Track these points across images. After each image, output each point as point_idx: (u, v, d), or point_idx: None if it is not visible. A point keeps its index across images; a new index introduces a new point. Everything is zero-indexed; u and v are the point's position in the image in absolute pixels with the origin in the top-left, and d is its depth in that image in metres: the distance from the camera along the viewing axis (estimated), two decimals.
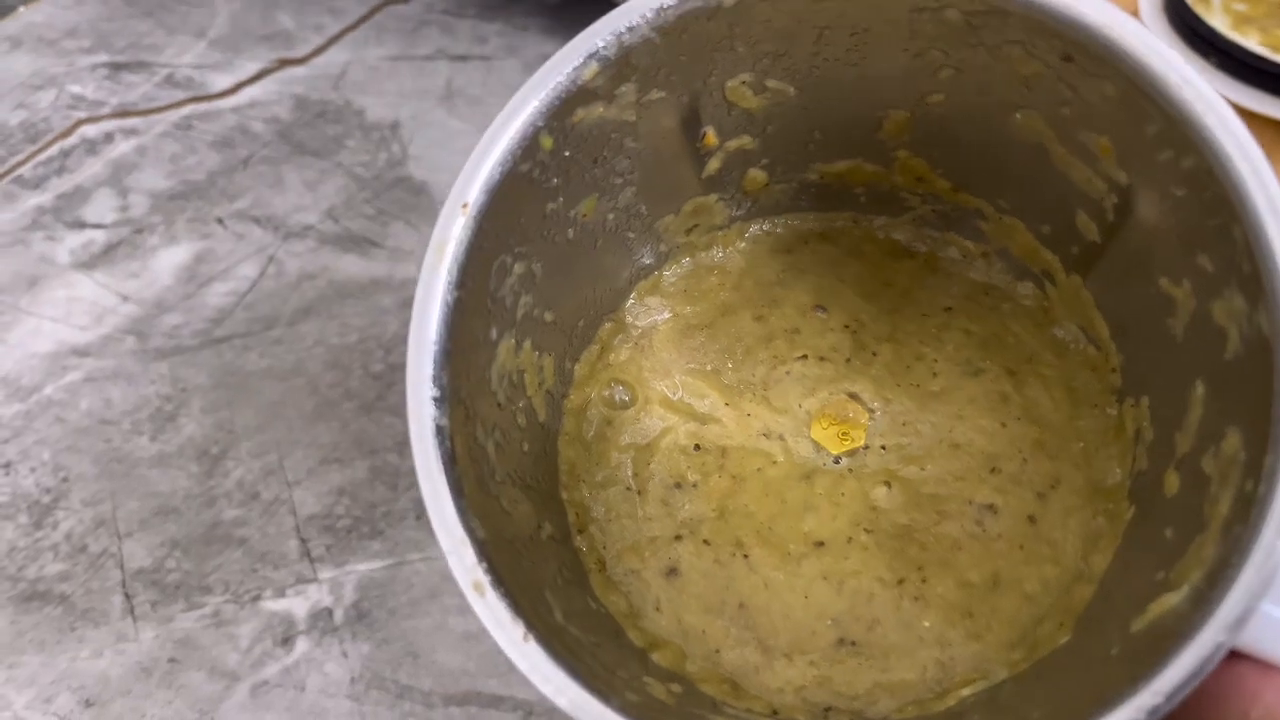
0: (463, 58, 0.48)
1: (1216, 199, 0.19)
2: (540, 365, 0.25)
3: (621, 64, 0.21)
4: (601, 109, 0.22)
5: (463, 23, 0.50)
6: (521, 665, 0.19)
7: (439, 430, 0.20)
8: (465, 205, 0.21)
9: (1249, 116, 0.42)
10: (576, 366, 0.27)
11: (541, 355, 0.25)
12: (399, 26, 0.50)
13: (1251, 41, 0.42)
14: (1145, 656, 0.18)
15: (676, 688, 0.22)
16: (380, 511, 0.37)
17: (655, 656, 0.23)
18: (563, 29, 0.49)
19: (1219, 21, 0.43)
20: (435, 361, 0.20)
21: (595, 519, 0.25)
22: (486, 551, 0.19)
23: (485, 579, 0.19)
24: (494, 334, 0.22)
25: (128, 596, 0.35)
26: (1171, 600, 0.18)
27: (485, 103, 0.46)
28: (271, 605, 0.35)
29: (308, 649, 0.34)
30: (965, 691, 0.22)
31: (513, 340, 0.23)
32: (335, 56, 0.49)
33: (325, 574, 0.35)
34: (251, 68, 0.48)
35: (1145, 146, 0.20)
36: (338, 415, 0.39)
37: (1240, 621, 0.17)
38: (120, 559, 0.36)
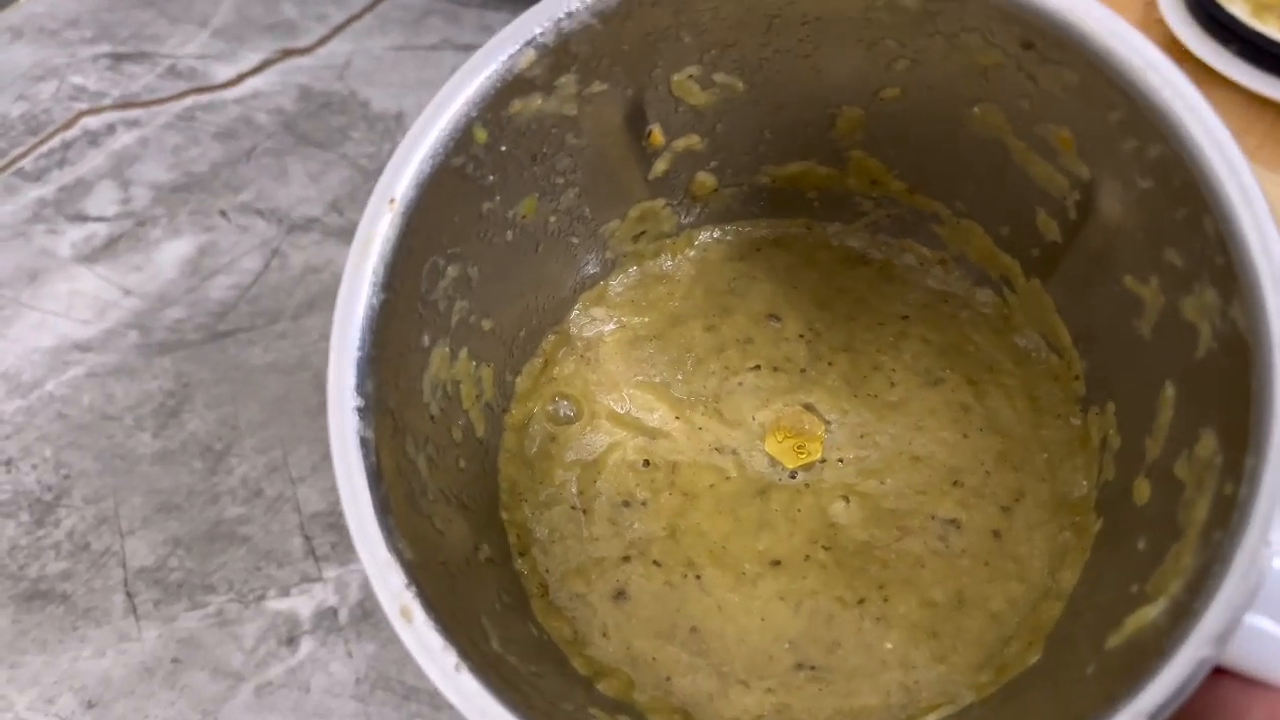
0: (468, 47, 0.47)
1: (1185, 188, 0.18)
2: (478, 377, 0.23)
3: (560, 52, 0.20)
4: (540, 101, 0.21)
5: (468, 11, 0.49)
6: (453, 698, 0.17)
7: (363, 443, 0.18)
8: (392, 201, 0.19)
9: (1269, 104, 0.42)
10: (518, 380, 0.25)
11: (480, 366, 0.23)
12: (403, 16, 0.49)
13: (1272, 29, 0.42)
14: (1123, 674, 0.16)
15: (623, 718, 0.20)
16: None
17: (601, 686, 0.21)
18: None
19: (1239, 9, 0.43)
20: (359, 369, 0.19)
21: (538, 540, 0.23)
22: (415, 574, 0.18)
23: (414, 604, 0.17)
24: (426, 340, 0.21)
25: (130, 595, 0.34)
26: (1149, 614, 0.17)
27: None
28: (276, 604, 0.34)
29: (312, 649, 0.33)
30: (931, 717, 0.21)
31: (447, 348, 0.22)
32: (339, 46, 0.48)
33: (330, 573, 0.35)
34: (255, 58, 0.48)
35: (1108, 136, 0.19)
36: None
37: (1225, 634, 0.16)
38: (123, 557, 0.35)
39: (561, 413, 0.25)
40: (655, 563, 0.23)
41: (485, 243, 0.22)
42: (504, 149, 0.21)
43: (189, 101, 0.46)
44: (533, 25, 0.20)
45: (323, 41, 0.49)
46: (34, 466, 0.37)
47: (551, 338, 0.26)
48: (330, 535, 0.35)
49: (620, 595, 0.23)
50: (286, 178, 0.44)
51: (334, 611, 0.34)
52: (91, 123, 0.46)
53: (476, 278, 0.22)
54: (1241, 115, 0.42)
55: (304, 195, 0.43)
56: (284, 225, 0.43)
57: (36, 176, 0.45)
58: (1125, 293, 0.21)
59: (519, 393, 0.25)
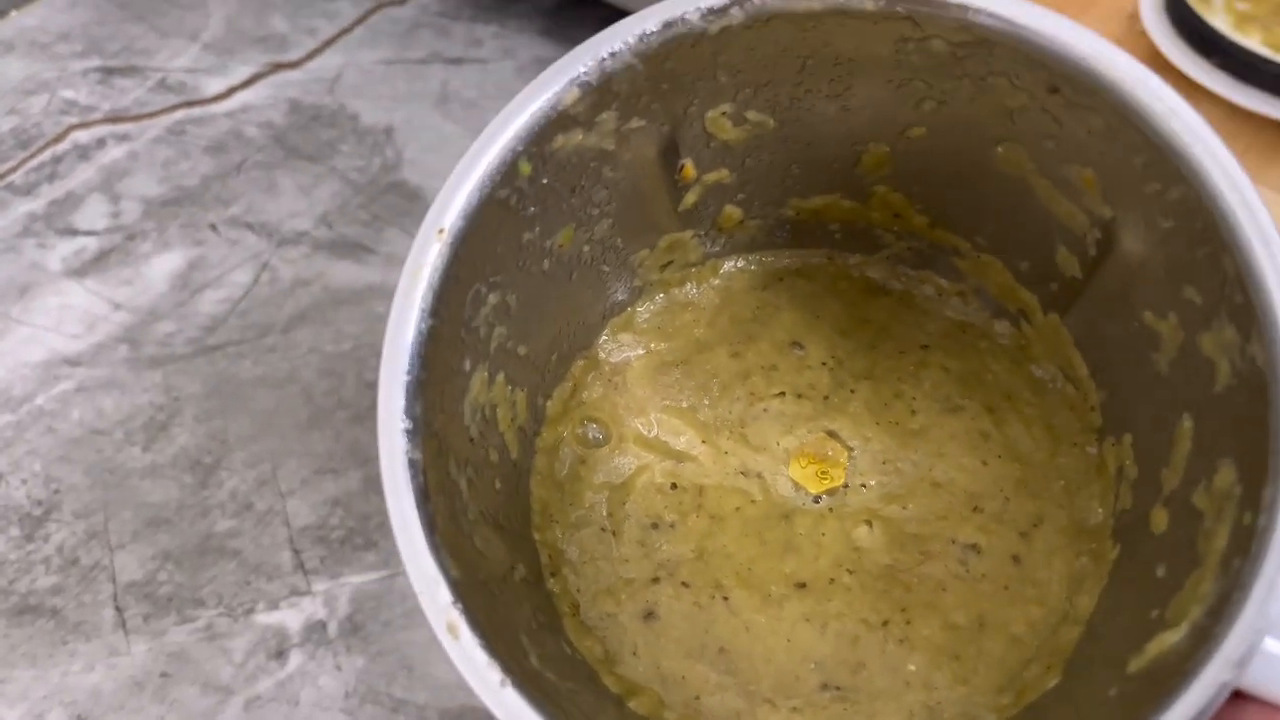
0: (458, 61, 0.48)
1: (1205, 229, 0.18)
2: (513, 400, 0.24)
3: (603, 90, 0.21)
4: (581, 136, 0.22)
5: (458, 25, 0.50)
6: (499, 713, 0.17)
7: (411, 464, 0.19)
8: (441, 231, 0.20)
9: (1251, 117, 0.43)
10: (549, 403, 0.26)
11: (514, 390, 0.24)
12: (393, 29, 0.50)
13: (1254, 41, 0.42)
14: (1146, 697, 0.17)
15: None
16: (374, 522, 0.36)
17: (633, 704, 0.22)
18: (558, 31, 0.49)
19: (1220, 21, 0.43)
20: (407, 392, 0.19)
21: (569, 561, 0.24)
22: (460, 591, 0.18)
23: (460, 620, 0.18)
24: (467, 365, 0.22)
25: (119, 610, 0.35)
26: (1171, 639, 0.18)
27: (480, 106, 0.46)
28: (265, 618, 0.34)
29: (301, 662, 0.33)
30: None
31: (486, 373, 0.22)
32: (329, 60, 0.49)
33: (319, 586, 0.35)
34: (245, 72, 0.48)
35: (1132, 178, 0.20)
36: (331, 424, 0.38)
37: (1245, 658, 0.16)
38: (112, 571, 0.35)
39: (590, 436, 0.26)
40: (684, 584, 0.24)
41: (524, 271, 0.23)
42: (545, 181, 0.22)
43: (179, 115, 0.47)
44: (577, 65, 0.21)
45: (312, 55, 0.49)
46: (24, 481, 0.37)
47: (580, 362, 0.26)
48: (319, 549, 0.36)
49: (650, 615, 0.23)
50: (276, 191, 0.44)
51: (323, 625, 0.34)
52: (82, 136, 0.46)
53: (515, 305, 0.23)
54: (1223, 128, 0.43)
55: (294, 208, 0.44)
56: (274, 239, 0.43)
57: (26, 190, 0.45)
58: (1144, 328, 0.21)
59: (550, 416, 0.26)
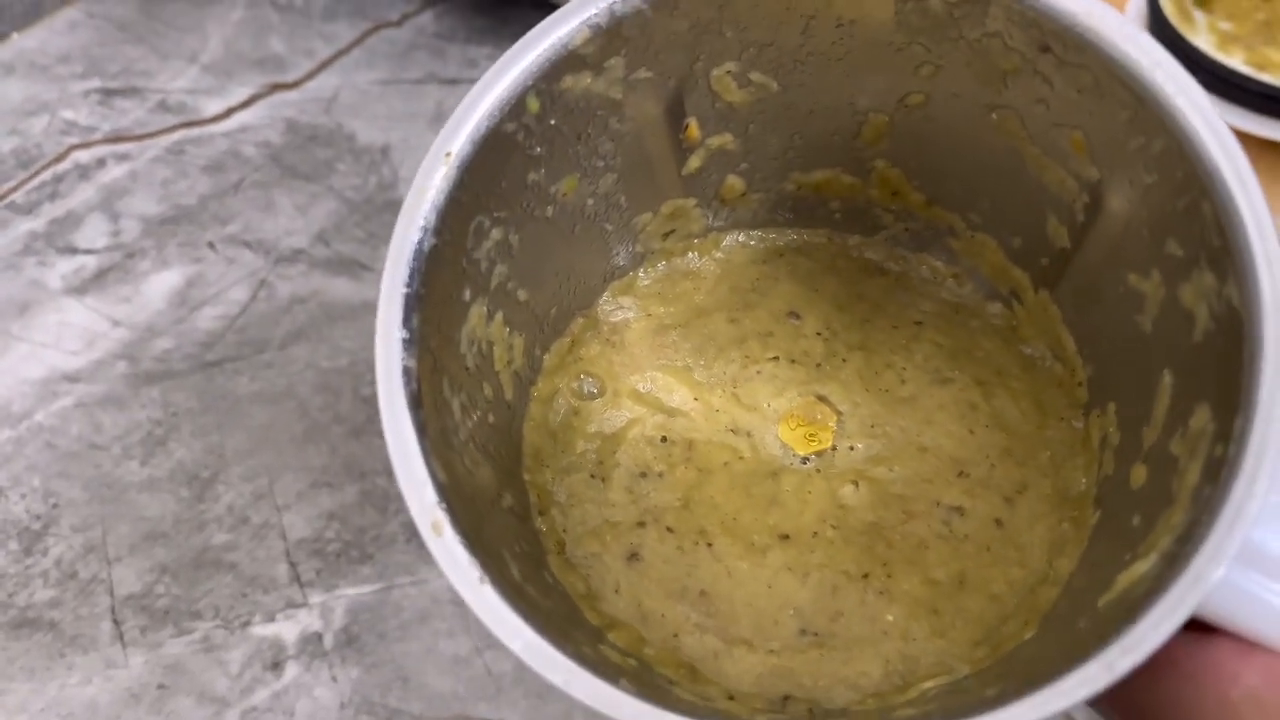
0: (453, 81, 0.49)
1: (1186, 178, 0.19)
2: (510, 343, 0.24)
3: (612, 33, 0.22)
4: (589, 80, 0.23)
5: (453, 46, 0.51)
6: (476, 608, 0.18)
7: (405, 371, 0.19)
8: (449, 155, 0.21)
9: (1236, 136, 0.43)
10: (546, 356, 0.26)
11: (512, 333, 0.24)
12: (390, 50, 0.51)
13: (1236, 60, 0.43)
14: (1114, 623, 0.17)
15: (633, 663, 0.21)
16: (370, 535, 0.37)
17: (612, 636, 0.22)
18: None
19: (1204, 41, 0.44)
20: (405, 304, 0.20)
21: (557, 502, 0.24)
22: (447, 496, 0.19)
23: (444, 518, 0.18)
24: (466, 295, 0.22)
25: (117, 623, 0.35)
26: (1140, 568, 0.18)
27: None
28: (261, 630, 0.35)
29: (297, 674, 0.34)
30: (927, 684, 0.22)
31: (484, 308, 0.23)
32: (326, 81, 0.50)
33: (315, 598, 0.35)
34: (243, 92, 0.49)
35: (1117, 135, 0.21)
36: (328, 439, 0.39)
37: (1211, 578, 0.16)
38: (110, 585, 0.36)
39: (585, 389, 0.26)
40: (669, 529, 0.24)
41: (528, 214, 0.24)
42: (553, 122, 0.23)
43: (178, 135, 0.48)
44: (589, 6, 0.22)
45: (310, 76, 0.50)
46: (23, 496, 0.38)
47: (580, 320, 0.27)
48: (315, 562, 0.36)
49: (634, 557, 0.24)
50: (274, 210, 0.45)
51: (319, 637, 0.34)
52: (82, 156, 0.47)
53: (517, 245, 0.24)
54: None
55: (291, 227, 0.44)
56: (271, 256, 0.43)
57: (28, 210, 0.46)
58: (1129, 291, 0.22)
59: (546, 368, 0.26)
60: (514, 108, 0.21)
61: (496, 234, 0.23)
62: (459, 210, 0.21)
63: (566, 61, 0.22)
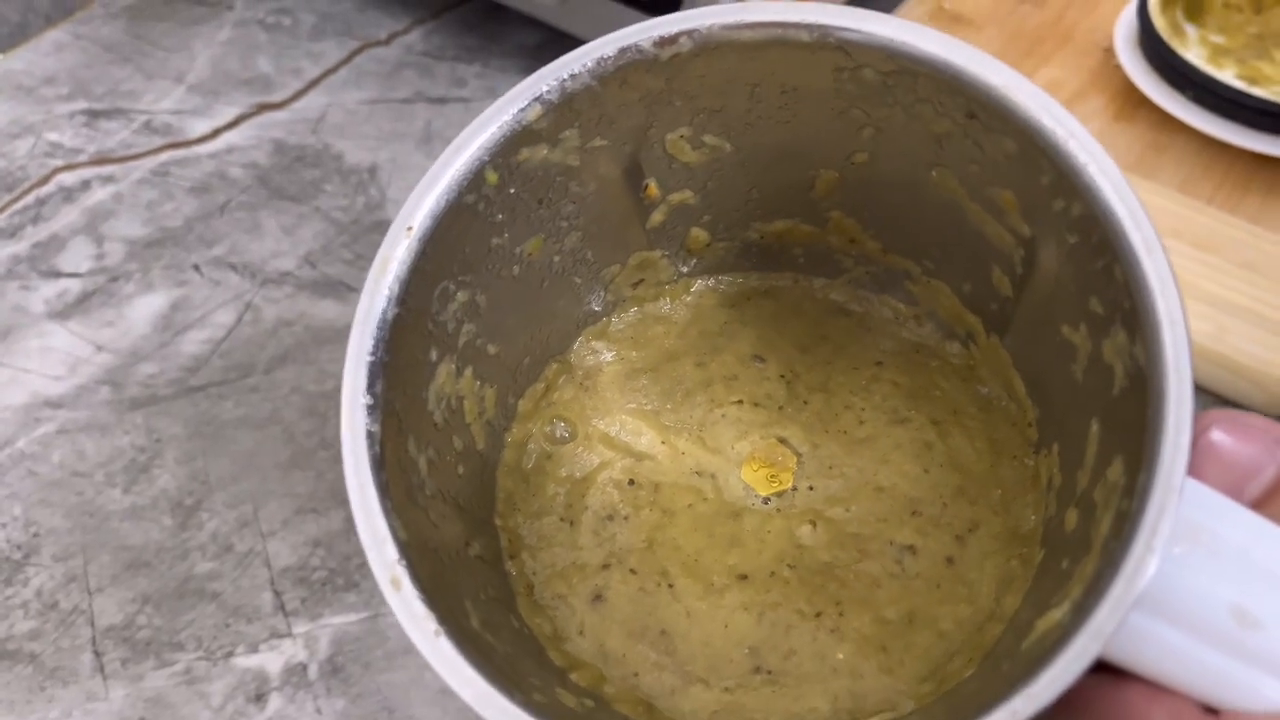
0: (441, 100, 0.49)
1: (1101, 242, 0.20)
2: (481, 395, 0.26)
3: (564, 108, 0.23)
4: (546, 151, 0.24)
5: (441, 65, 0.51)
6: (431, 659, 0.19)
7: (369, 435, 0.21)
8: (410, 229, 0.22)
9: (1226, 149, 0.43)
10: (520, 402, 0.28)
11: (483, 386, 0.26)
12: (378, 70, 0.51)
13: (1228, 74, 0.43)
14: (1029, 668, 0.18)
15: (590, 703, 0.22)
16: (355, 563, 0.36)
17: (574, 676, 0.23)
18: None
19: (1194, 55, 0.44)
20: (370, 371, 0.21)
21: (528, 545, 0.26)
22: (407, 552, 0.20)
23: (403, 575, 0.20)
24: (433, 355, 0.24)
25: (98, 654, 0.35)
26: (1055, 616, 0.19)
27: None
28: (244, 661, 0.34)
29: (281, 706, 0.33)
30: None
31: (453, 365, 0.24)
32: (314, 100, 0.49)
33: (299, 628, 0.35)
34: (230, 113, 0.49)
35: (1042, 198, 0.22)
36: (313, 464, 0.38)
37: (1112, 630, 0.17)
38: (91, 616, 0.35)
39: (558, 433, 0.28)
40: (632, 570, 0.25)
41: (494, 275, 0.25)
42: (513, 191, 0.24)
43: (164, 157, 0.47)
44: (540, 84, 0.23)
45: (298, 96, 0.50)
46: (3, 525, 0.37)
47: (554, 365, 0.28)
48: (300, 590, 0.36)
49: (598, 598, 0.25)
50: (260, 231, 0.45)
51: (303, 667, 0.34)
52: (67, 179, 0.47)
53: (484, 305, 0.25)
54: (1197, 160, 0.44)
55: (277, 249, 0.44)
56: (257, 279, 0.43)
57: (11, 233, 0.45)
58: (1063, 340, 0.23)
59: (520, 413, 0.28)
60: (472, 181, 0.23)
61: (462, 296, 0.24)
62: (422, 279, 0.23)
63: (521, 136, 0.23)
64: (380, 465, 0.21)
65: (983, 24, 0.51)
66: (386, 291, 0.22)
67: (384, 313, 0.22)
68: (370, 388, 0.21)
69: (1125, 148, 0.45)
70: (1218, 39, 0.47)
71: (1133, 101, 0.46)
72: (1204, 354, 0.39)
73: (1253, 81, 0.43)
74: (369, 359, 0.21)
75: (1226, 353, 0.38)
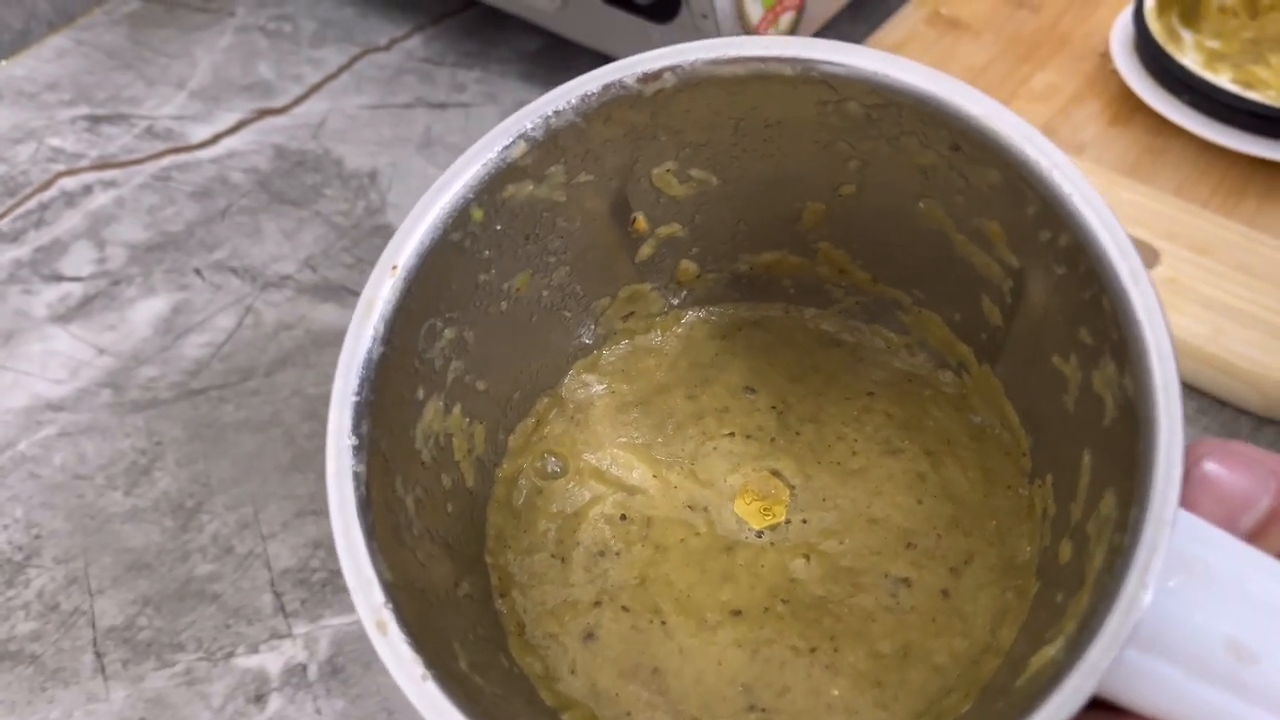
0: (441, 105, 0.50)
1: (1089, 273, 0.20)
2: (470, 432, 0.26)
3: (549, 145, 0.23)
4: (531, 187, 0.24)
5: (441, 70, 0.51)
6: (417, 703, 0.19)
7: (355, 476, 0.21)
8: (395, 267, 0.22)
9: (1223, 154, 0.43)
10: (510, 438, 0.28)
11: (472, 423, 0.26)
12: (378, 75, 0.51)
13: (1224, 79, 0.43)
14: (1024, 707, 0.18)
15: None
16: None
17: (566, 717, 0.23)
18: (541, 76, 0.50)
19: (1190, 59, 0.44)
20: (355, 411, 0.21)
21: (518, 583, 0.26)
22: (393, 594, 0.20)
23: (390, 619, 0.20)
24: (420, 394, 0.24)
25: (99, 655, 0.35)
26: (1049, 652, 0.19)
27: (464, 150, 0.47)
28: (244, 662, 0.35)
29: (281, 706, 0.34)
30: None
31: (441, 403, 0.24)
32: (315, 106, 0.50)
33: (300, 629, 0.35)
34: (231, 118, 0.50)
35: (1028, 228, 0.22)
36: (314, 466, 0.38)
37: (1103, 668, 0.17)
38: (92, 617, 0.36)
39: (549, 469, 0.27)
40: (624, 608, 0.25)
41: (482, 310, 0.25)
42: (499, 227, 0.24)
43: (165, 162, 0.48)
44: (525, 121, 0.23)
45: (298, 101, 0.50)
46: (4, 527, 0.38)
47: (545, 400, 0.28)
48: (300, 591, 0.36)
49: (590, 636, 0.25)
50: (261, 236, 0.45)
51: (303, 668, 0.34)
52: (69, 184, 0.48)
53: (473, 341, 0.25)
54: (1194, 165, 0.44)
55: (278, 253, 0.45)
56: (258, 283, 0.44)
57: (13, 238, 0.46)
58: (1054, 371, 0.23)
59: (511, 449, 0.27)
60: (458, 218, 0.23)
61: (449, 333, 0.24)
62: (408, 317, 0.22)
63: (506, 173, 0.23)
64: (366, 506, 0.21)
65: (980, 29, 0.51)
66: (371, 332, 0.22)
67: (369, 353, 0.22)
68: (356, 428, 0.21)
69: (1122, 152, 0.45)
70: (1213, 44, 0.47)
71: (1129, 106, 0.46)
72: (1199, 356, 0.39)
73: (1248, 86, 0.43)
74: (354, 399, 0.21)
75: (1222, 355, 0.38)
